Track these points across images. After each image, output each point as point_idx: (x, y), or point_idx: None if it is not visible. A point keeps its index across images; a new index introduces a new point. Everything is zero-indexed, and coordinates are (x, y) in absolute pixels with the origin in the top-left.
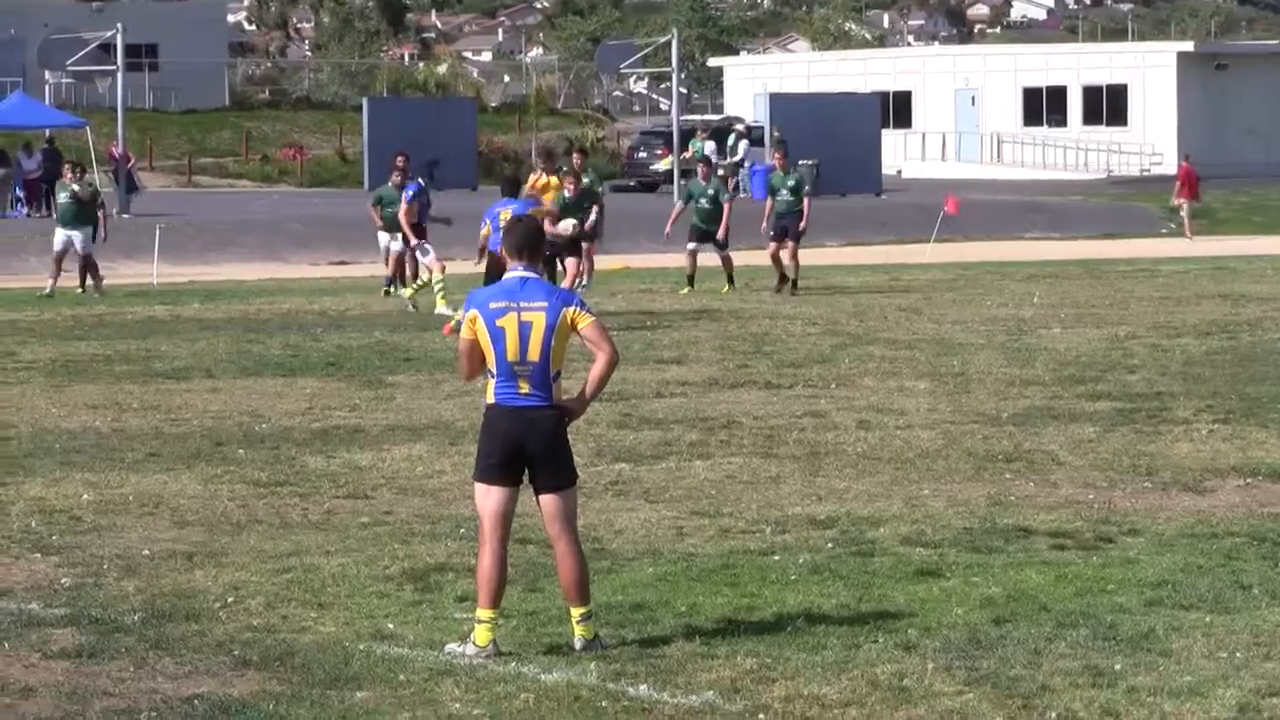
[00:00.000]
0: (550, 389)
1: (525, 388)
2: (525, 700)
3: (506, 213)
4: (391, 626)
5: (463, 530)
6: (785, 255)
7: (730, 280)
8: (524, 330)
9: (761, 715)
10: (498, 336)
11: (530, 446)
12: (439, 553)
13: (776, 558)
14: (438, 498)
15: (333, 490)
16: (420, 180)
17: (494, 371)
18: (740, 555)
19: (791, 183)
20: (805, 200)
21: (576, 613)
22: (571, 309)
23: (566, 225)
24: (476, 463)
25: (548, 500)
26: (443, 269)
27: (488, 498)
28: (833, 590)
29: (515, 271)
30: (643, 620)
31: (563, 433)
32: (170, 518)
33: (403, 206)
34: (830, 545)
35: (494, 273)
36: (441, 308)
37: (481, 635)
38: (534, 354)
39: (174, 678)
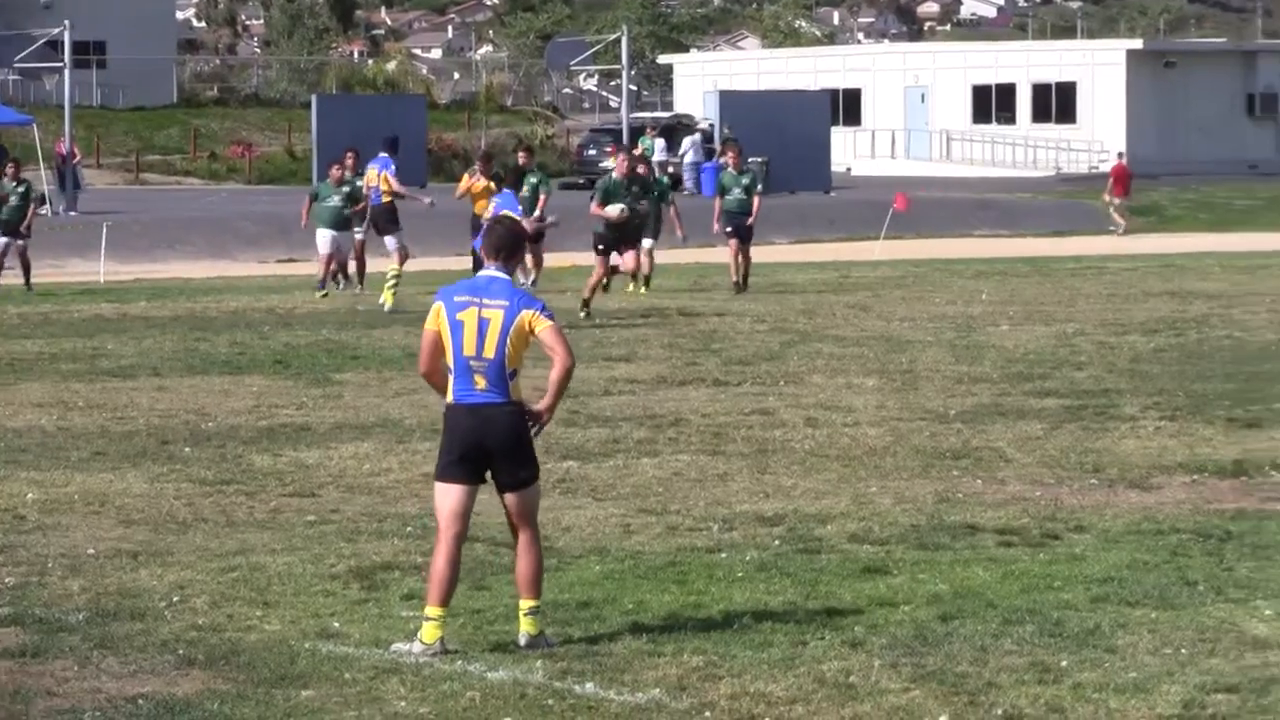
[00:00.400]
0: (507, 386)
1: (481, 383)
2: (471, 699)
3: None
4: (337, 625)
5: (409, 529)
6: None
7: (645, 281)
8: (482, 326)
9: (708, 713)
10: (456, 329)
11: (489, 443)
12: (385, 551)
13: (724, 555)
14: (384, 496)
15: (279, 488)
16: (386, 155)
17: (451, 368)
18: (687, 553)
19: (746, 181)
20: (756, 199)
21: (524, 605)
22: (531, 312)
23: (614, 209)
24: (437, 462)
25: (510, 499)
26: (402, 261)
27: (446, 496)
28: (779, 588)
29: (488, 270)
30: (589, 618)
31: (523, 429)
32: (116, 516)
33: (388, 175)
34: (777, 543)
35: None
36: (388, 303)
37: (429, 633)
38: (489, 350)
39: (118, 677)
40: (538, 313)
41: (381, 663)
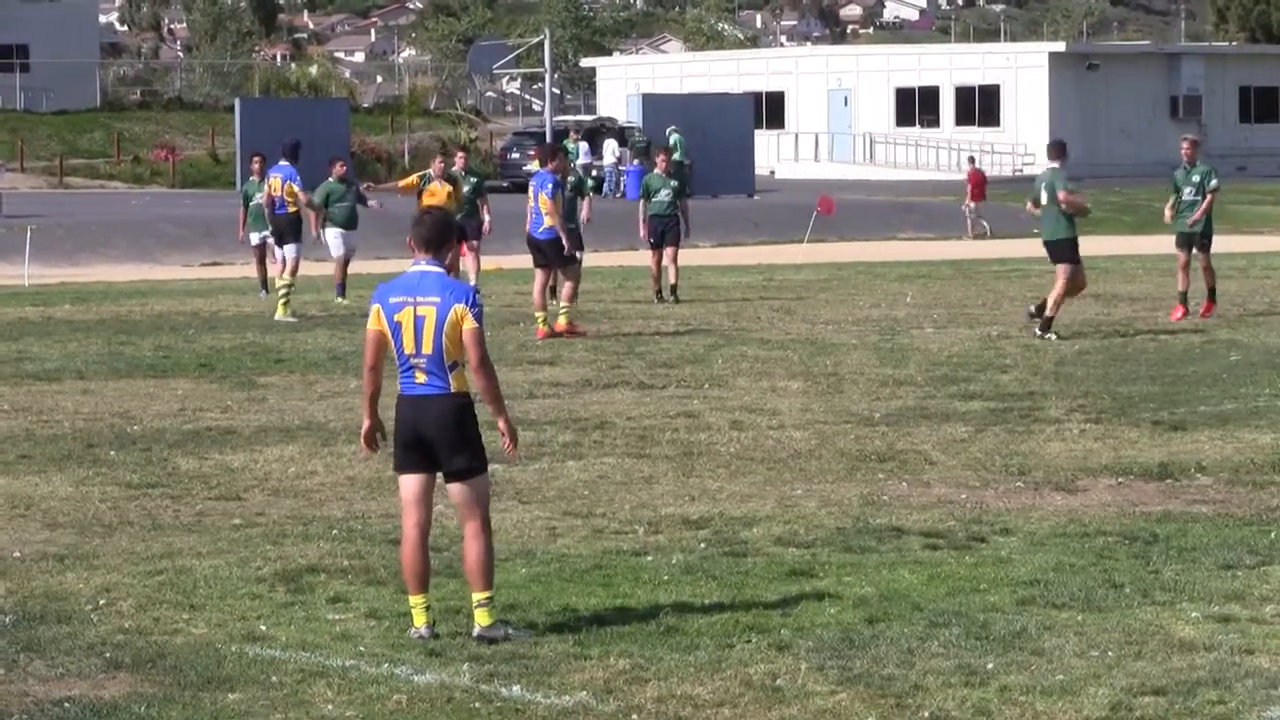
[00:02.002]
0: (448, 376)
1: (421, 377)
2: (398, 701)
3: (533, 187)
4: (264, 628)
5: (335, 531)
6: (666, 259)
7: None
8: (418, 324)
9: (634, 716)
10: (395, 330)
11: (428, 432)
12: (311, 554)
13: (649, 558)
14: (310, 499)
15: (205, 492)
16: (288, 164)
17: (396, 363)
18: (613, 556)
19: (675, 184)
20: (682, 202)
21: (476, 597)
22: (462, 307)
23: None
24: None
25: (454, 488)
26: (294, 272)
27: (401, 486)
28: (706, 590)
29: (418, 265)
30: (516, 620)
31: (464, 419)
32: (41, 520)
33: (294, 185)
34: (703, 546)
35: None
36: (281, 314)
37: (416, 619)
38: (427, 347)
39: (45, 680)
40: (467, 310)
41: (308, 665)
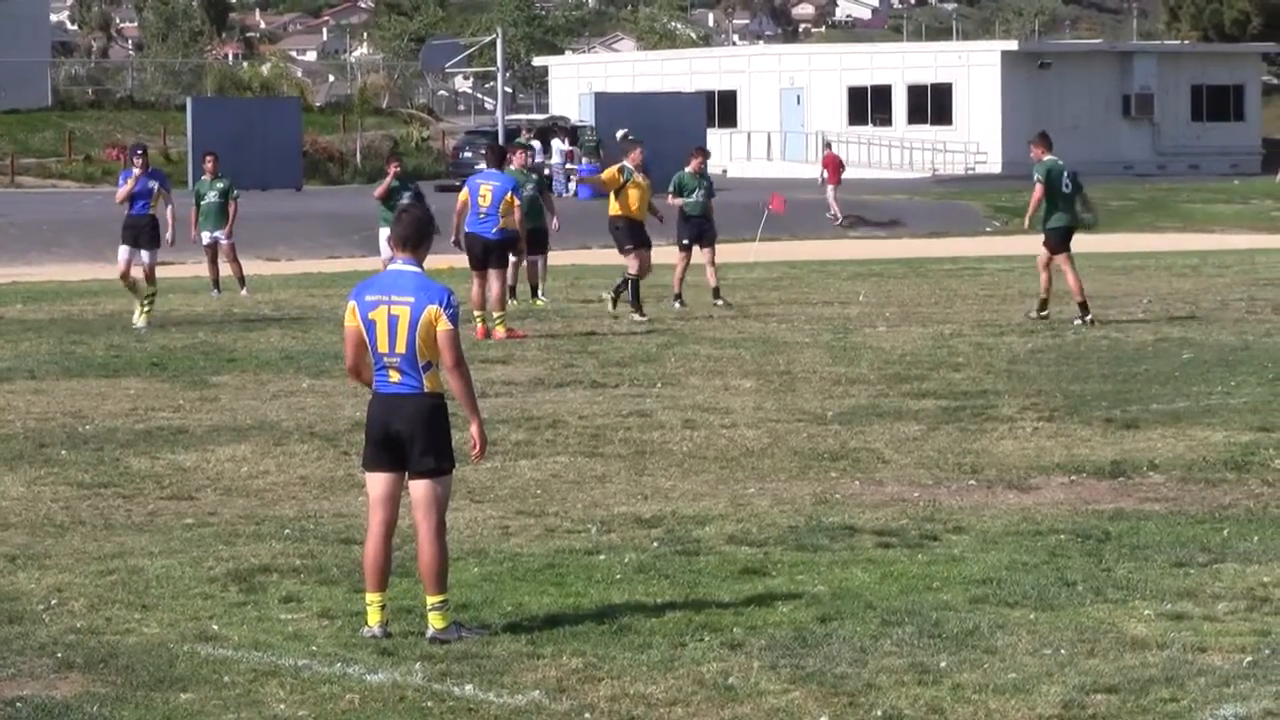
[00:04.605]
0: (421, 376)
1: (395, 376)
2: (350, 701)
3: (486, 187)
4: (216, 628)
5: (287, 531)
6: (704, 261)
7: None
8: (392, 324)
9: (587, 714)
10: (370, 329)
11: (397, 429)
12: (263, 554)
13: (602, 557)
14: (262, 498)
15: (157, 491)
16: (132, 169)
17: (371, 361)
18: (566, 555)
19: (708, 183)
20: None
21: (431, 600)
22: (435, 308)
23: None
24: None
25: (414, 485)
26: (149, 278)
27: (369, 483)
28: (658, 589)
29: (395, 264)
30: (468, 619)
31: (435, 419)
32: None
33: (124, 190)
34: (656, 544)
35: (470, 250)
36: (139, 320)
37: (370, 617)
38: (400, 346)
39: None
40: (441, 310)
41: (261, 665)
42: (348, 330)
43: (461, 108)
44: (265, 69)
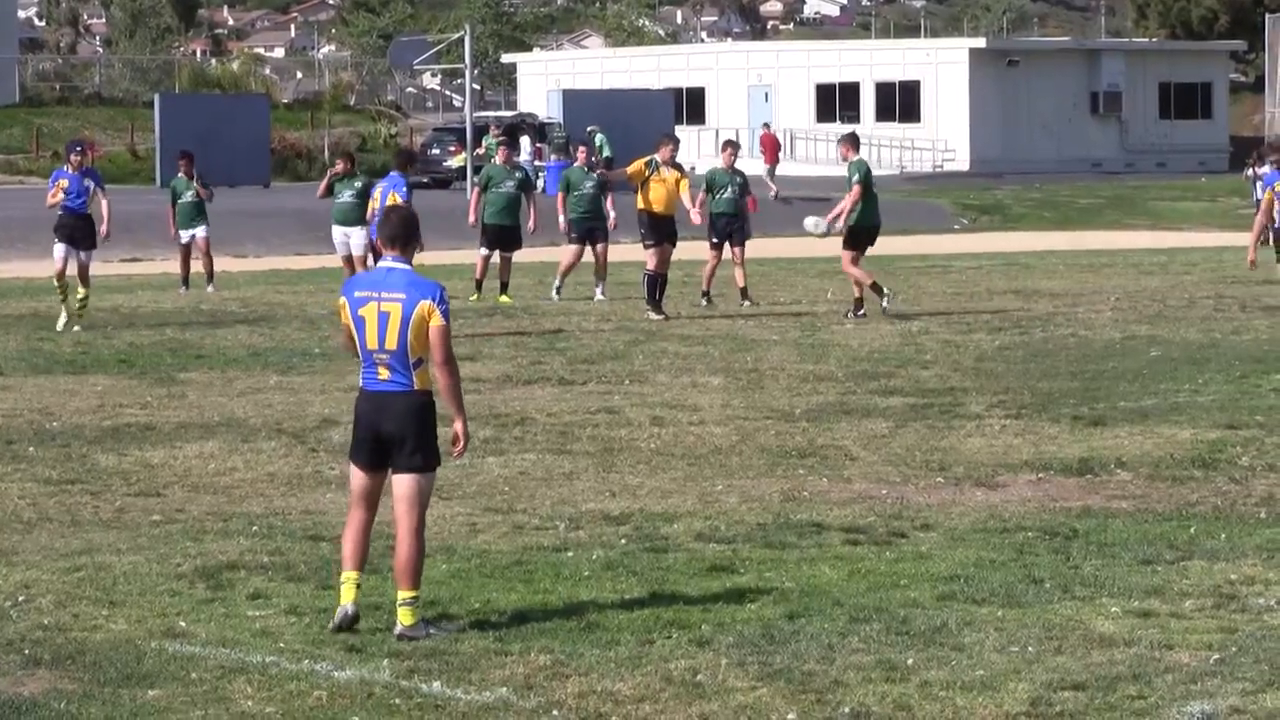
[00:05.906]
0: (411, 373)
1: (384, 374)
2: (318, 698)
3: (394, 196)
4: (184, 624)
5: (255, 528)
6: (733, 259)
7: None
8: (382, 320)
9: (555, 711)
10: (359, 325)
11: (385, 427)
12: (231, 550)
13: (570, 554)
14: (230, 495)
15: (124, 488)
16: (66, 167)
17: (360, 358)
18: (534, 552)
19: (740, 180)
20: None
21: (401, 596)
22: (428, 303)
23: (815, 224)
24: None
25: (397, 480)
26: (83, 279)
27: (353, 478)
28: (626, 586)
29: (385, 261)
30: (436, 616)
31: (423, 417)
32: None
33: (52, 191)
34: (624, 541)
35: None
36: (63, 322)
37: (344, 594)
38: (391, 343)
39: None
40: (434, 304)
41: (228, 662)
42: (345, 327)
43: (430, 104)
44: (234, 65)
